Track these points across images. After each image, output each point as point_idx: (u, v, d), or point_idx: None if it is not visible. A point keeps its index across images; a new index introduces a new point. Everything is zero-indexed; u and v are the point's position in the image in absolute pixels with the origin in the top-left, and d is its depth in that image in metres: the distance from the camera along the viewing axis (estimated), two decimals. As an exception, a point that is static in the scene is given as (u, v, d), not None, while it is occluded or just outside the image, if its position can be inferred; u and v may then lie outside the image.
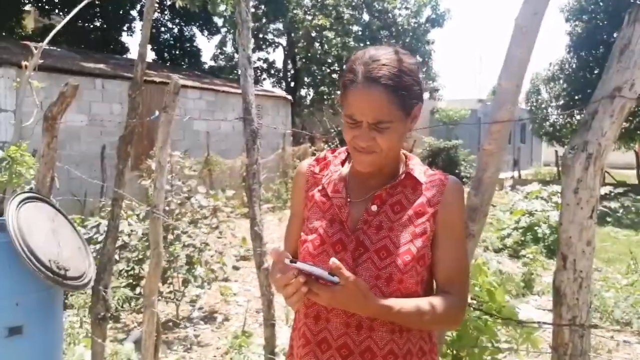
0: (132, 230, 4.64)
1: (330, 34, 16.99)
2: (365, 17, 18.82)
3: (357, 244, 1.19)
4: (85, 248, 2.94)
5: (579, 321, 1.27)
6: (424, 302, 1.14)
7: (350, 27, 18.05)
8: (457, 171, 16.98)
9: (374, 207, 1.21)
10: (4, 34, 14.09)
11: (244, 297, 5.40)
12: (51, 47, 12.41)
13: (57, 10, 15.48)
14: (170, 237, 4.25)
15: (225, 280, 5.73)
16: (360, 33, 18.20)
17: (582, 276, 1.28)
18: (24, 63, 3.59)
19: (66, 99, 2.98)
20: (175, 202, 4.44)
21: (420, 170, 1.25)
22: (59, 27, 4.01)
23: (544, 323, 1.32)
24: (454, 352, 1.59)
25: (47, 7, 15.20)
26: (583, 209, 1.26)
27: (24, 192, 2.72)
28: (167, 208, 4.38)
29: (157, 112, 2.22)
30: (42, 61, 3.95)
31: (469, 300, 1.59)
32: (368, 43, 17.94)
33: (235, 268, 5.10)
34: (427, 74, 19.00)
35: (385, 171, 1.24)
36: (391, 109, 1.13)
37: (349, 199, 1.25)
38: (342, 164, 1.31)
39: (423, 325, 1.19)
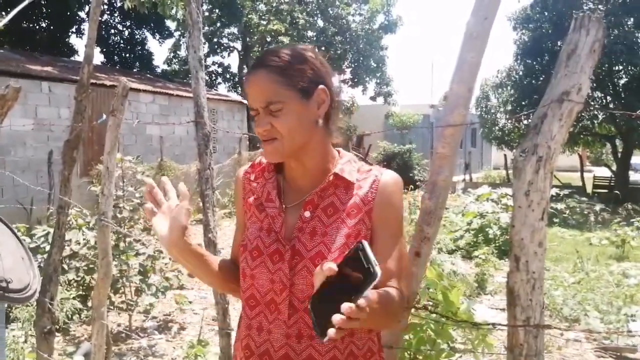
0: (84, 239, 4.47)
1: (286, 39, 16.99)
2: (320, 22, 18.94)
3: (293, 253, 1.16)
4: (29, 258, 2.80)
5: (533, 322, 1.29)
6: (389, 291, 1.10)
7: (305, 32, 18.11)
8: (410, 175, 17.28)
9: (307, 214, 1.18)
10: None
11: (200, 305, 5.29)
12: (-7, 49, 11.86)
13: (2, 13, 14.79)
14: (122, 245, 4.11)
15: (181, 288, 5.60)
16: (315, 38, 18.29)
17: (535, 277, 1.30)
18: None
19: (7, 102, 2.82)
20: (127, 209, 4.30)
21: (351, 168, 1.21)
22: (2, 22, 3.81)
23: (499, 325, 1.34)
24: (411, 355, 1.59)
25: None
26: (534, 211, 1.29)
27: (-39, 201, 2.57)
28: (118, 215, 4.24)
29: (104, 116, 2.14)
30: (32, 68, 3.74)
31: (425, 303, 1.60)
32: (323, 48, 18.04)
33: (191, 275, 4.98)
34: (381, 79, 19.27)
35: (314, 172, 1.20)
36: (278, 88, 1.12)
37: (283, 206, 1.21)
38: (277, 169, 1.27)
39: (387, 318, 1.10)
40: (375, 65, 18.87)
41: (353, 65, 18.89)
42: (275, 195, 1.22)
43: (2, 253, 2.56)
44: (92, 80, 9.26)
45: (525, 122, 15.35)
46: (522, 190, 1.29)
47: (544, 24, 14.68)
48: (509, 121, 16.22)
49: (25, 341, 3.53)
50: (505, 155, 19.43)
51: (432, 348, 1.44)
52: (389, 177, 1.20)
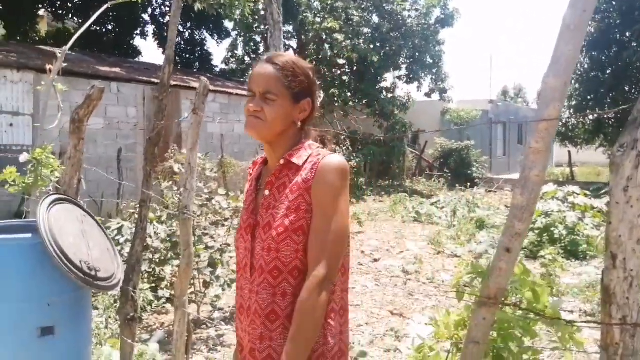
0: (155, 232, 4.67)
1: (340, 37, 16.99)
2: (375, 19, 18.80)
3: (254, 224, 1.45)
4: (113, 249, 2.96)
5: (629, 320, 1.26)
6: (294, 326, 1.32)
7: (360, 29, 18.04)
8: (468, 172, 16.90)
9: (267, 192, 1.44)
10: (19, 38, 14.24)
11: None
12: (57, 51, 12.54)
13: (70, 15, 15.62)
14: (193, 238, 4.26)
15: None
16: (369, 35, 18.19)
17: (633, 275, 1.27)
18: (48, 67, 3.62)
19: (92, 101, 3.01)
20: (196, 204, 4.46)
21: (302, 154, 1.42)
22: (81, 31, 4.04)
23: (595, 322, 1.31)
24: (495, 351, 1.58)
25: (60, 11, 15.34)
26: (633, 207, 1.26)
27: (54, 194, 2.74)
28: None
29: (186, 114, 2.23)
30: (65, 64, 3.98)
31: (514, 299, 1.59)
32: (378, 45, 17.94)
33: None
34: (437, 75, 18.92)
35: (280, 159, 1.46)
36: (278, 85, 1.41)
37: (257, 189, 1.51)
38: (264, 162, 1.55)
39: (316, 330, 1.33)
40: (431, 61, 18.55)
41: (408, 62, 18.65)
42: (254, 180, 1.53)
43: (91, 244, 2.72)
44: (156, 80, 9.55)
45: (590, 117, 14.68)
46: (621, 186, 1.26)
47: (611, 15, 13.99)
48: (574, 117, 15.56)
49: (106, 327, 3.74)
50: (569, 151, 18.64)
51: (519, 345, 1.43)
52: (328, 160, 1.38)
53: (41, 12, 15.83)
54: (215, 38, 17.74)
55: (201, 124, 2.27)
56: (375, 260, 7.03)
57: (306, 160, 1.40)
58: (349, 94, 18.55)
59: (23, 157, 3.33)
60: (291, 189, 1.38)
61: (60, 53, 3.52)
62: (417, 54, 18.17)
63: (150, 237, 4.79)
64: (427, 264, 6.78)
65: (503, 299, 1.43)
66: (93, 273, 2.58)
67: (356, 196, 13.26)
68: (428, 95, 19.01)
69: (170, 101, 10.81)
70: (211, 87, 9.98)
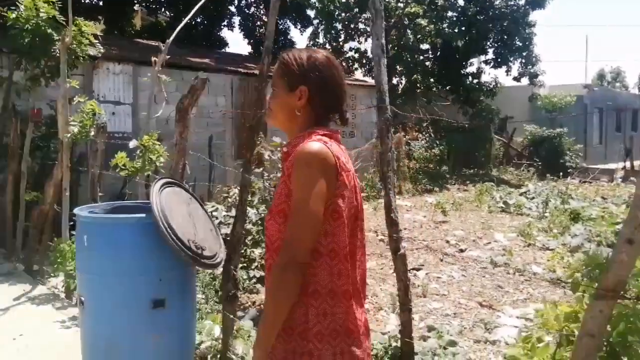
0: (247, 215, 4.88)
1: (424, 21, 16.59)
2: (461, 2, 18.16)
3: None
4: (216, 230, 3.14)
5: None
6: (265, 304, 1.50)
7: (444, 13, 17.50)
8: (561, 161, 16.00)
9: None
10: (116, 32, 15.22)
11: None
12: (160, 44, 13.27)
13: (162, 9, 16.46)
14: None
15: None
16: (454, 19, 17.61)
17: None
18: (153, 59, 3.86)
19: (197, 91, 3.18)
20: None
21: (296, 142, 1.52)
22: (181, 24, 4.28)
23: None
24: (608, 345, 1.52)
25: (154, 6, 16.20)
26: None
27: (164, 178, 2.95)
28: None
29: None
30: (168, 57, 4.22)
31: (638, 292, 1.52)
32: (463, 29, 17.33)
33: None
34: (526, 58, 17.97)
35: None
36: (277, 78, 1.60)
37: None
38: None
39: (278, 308, 1.43)
40: (520, 44, 17.66)
41: (496, 45, 17.87)
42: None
43: (197, 225, 2.90)
44: (243, 70, 9.89)
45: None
46: None
47: None
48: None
49: (206, 303, 3.97)
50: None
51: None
52: (301, 148, 1.46)
53: (136, 7, 16.78)
54: (298, 27, 17.95)
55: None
56: (461, 251, 6.89)
57: (295, 149, 1.49)
58: (432, 80, 18.11)
59: (132, 144, 3.61)
60: (282, 177, 1.54)
61: (163, 46, 3.73)
62: (505, 37, 17.36)
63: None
64: (517, 255, 6.54)
65: (622, 292, 1.37)
66: (199, 251, 2.76)
67: (439, 185, 13.01)
68: (517, 79, 18.13)
69: (256, 89, 11.14)
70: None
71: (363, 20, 19.89)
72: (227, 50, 17.66)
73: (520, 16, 17.20)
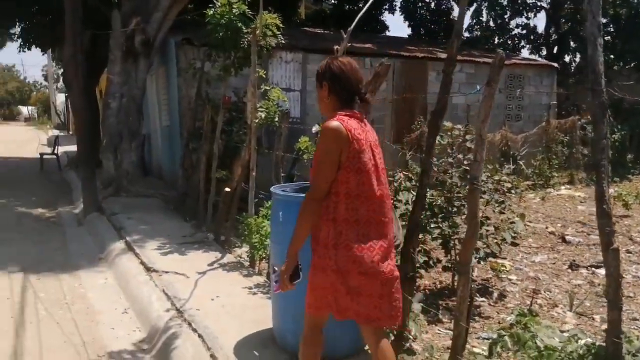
0: (407, 200, 4.91)
1: (606, -11, 14.82)
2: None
3: None
4: (393, 213, 3.24)
5: None
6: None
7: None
8: None
9: None
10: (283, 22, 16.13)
11: (516, 276, 5.27)
12: (325, 31, 13.77)
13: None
14: (453, 208, 4.38)
15: (494, 256, 5.66)
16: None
17: None
18: (335, 47, 4.05)
19: (379, 77, 3.29)
20: (456, 175, 4.53)
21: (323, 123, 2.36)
22: (361, 13, 4.41)
23: None
24: None
25: (320, -6, 16.86)
26: None
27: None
28: (449, 180, 4.51)
29: (478, 87, 2.28)
30: (341, 45, 4.38)
31: None
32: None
33: (514, 244, 4.98)
34: None
35: None
36: (315, 80, 2.41)
37: None
38: None
39: (301, 225, 2.29)
40: None
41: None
42: None
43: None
44: (405, 54, 9.83)
45: None
46: None
47: None
48: None
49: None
50: None
51: None
52: (324, 125, 2.26)
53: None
54: (462, 5, 17.25)
55: (494, 97, 2.29)
56: (649, 249, 6.16)
57: None
58: (612, 56, 16.17)
59: (315, 128, 3.86)
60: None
61: (345, 34, 3.89)
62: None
63: (408, 203, 5.05)
64: None
65: None
66: (381, 233, 2.87)
67: (619, 174, 11.66)
68: None
69: (417, 73, 11.03)
70: (458, 57, 9.77)
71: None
72: (387, 34, 17.71)
73: None
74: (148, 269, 5.01)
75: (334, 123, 2.18)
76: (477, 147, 2.33)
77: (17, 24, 13.50)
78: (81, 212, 8.06)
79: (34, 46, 14.66)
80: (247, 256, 5.25)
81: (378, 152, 2.30)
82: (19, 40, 14.38)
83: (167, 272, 4.87)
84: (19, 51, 24.38)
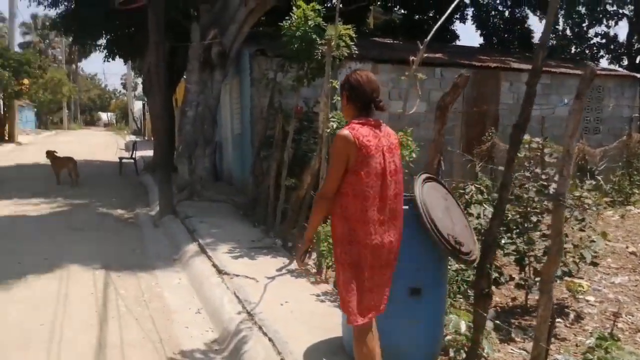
0: (484, 214, 4.79)
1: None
2: None
3: None
4: (469, 227, 3.18)
5: None
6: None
7: None
8: None
9: None
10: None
11: (593, 297, 5.00)
12: (394, 41, 13.74)
13: (397, 7, 16.99)
14: (529, 224, 4.23)
15: (571, 275, 5.40)
16: None
17: None
18: (411, 58, 4.05)
19: (458, 89, 3.25)
20: (533, 190, 4.38)
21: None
22: (439, 23, 4.37)
23: None
24: None
25: (389, 4, 16.83)
26: None
27: (424, 173, 3.10)
28: (525, 195, 4.37)
29: (565, 100, 2.20)
30: (418, 56, 4.38)
31: None
32: None
33: (594, 264, 4.72)
34: None
35: None
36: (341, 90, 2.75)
37: None
38: None
39: (314, 218, 2.66)
40: None
41: None
42: None
43: (454, 220, 2.99)
44: (477, 63, 9.61)
45: None
46: None
47: None
48: None
49: (452, 297, 4.05)
50: None
51: None
52: (336, 134, 2.58)
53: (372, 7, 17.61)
54: (538, 14, 16.66)
55: (582, 111, 2.21)
56: None
57: None
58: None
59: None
60: None
61: (421, 45, 3.88)
62: None
63: (479, 217, 4.93)
64: None
65: None
66: (458, 246, 2.84)
67: None
68: None
69: (489, 83, 10.75)
70: (531, 67, 9.33)
71: (611, 2, 17.49)
72: (458, 43, 17.41)
73: None
74: (220, 272, 5.18)
75: (344, 132, 2.49)
76: (564, 163, 2.26)
77: (104, 35, 14.40)
78: (157, 214, 8.45)
79: (117, 56, 15.61)
80: (314, 263, 5.31)
81: (391, 156, 2.55)
82: (105, 51, 15.35)
83: (237, 275, 5.01)
84: (104, 61, 26.00)
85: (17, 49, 26.84)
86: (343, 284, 2.51)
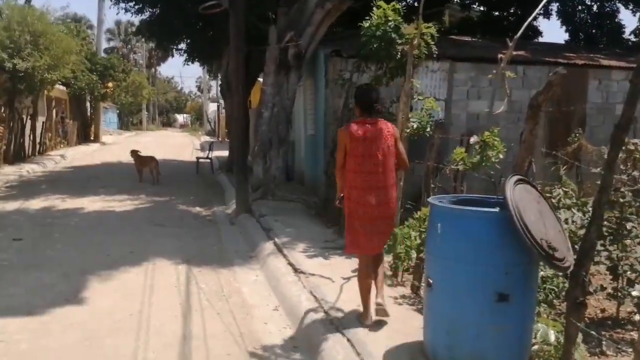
0: (572, 220, 4.52)
1: None
2: None
3: None
4: (563, 232, 3.02)
5: None
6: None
7: None
8: None
9: None
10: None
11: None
12: (472, 39, 13.32)
13: (476, 4, 16.50)
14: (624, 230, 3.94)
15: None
16: None
17: None
18: (499, 56, 3.88)
19: (552, 87, 3.08)
20: (629, 194, 4.08)
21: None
22: (528, 21, 4.18)
23: None
24: None
25: (467, 1, 16.38)
26: None
27: (515, 175, 2.96)
28: (621, 200, 4.08)
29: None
30: (506, 54, 4.19)
31: None
32: None
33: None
34: None
35: None
36: None
37: None
38: None
39: (338, 183, 4.00)
40: None
41: None
42: None
43: (546, 224, 2.83)
44: (562, 61, 9.07)
45: None
46: None
47: None
48: None
49: (539, 305, 3.85)
50: None
51: None
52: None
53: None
54: (631, 7, 15.53)
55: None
56: None
57: None
58: None
59: (473, 139, 3.74)
60: None
61: (510, 43, 3.72)
62: None
63: (567, 222, 4.66)
64: None
65: None
66: (551, 252, 2.69)
67: None
68: None
69: (576, 82, 10.16)
70: (623, 64, 8.81)
71: None
72: (541, 39, 16.64)
73: None
74: (296, 270, 5.24)
75: (342, 128, 3.90)
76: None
77: (185, 40, 15.04)
78: (233, 212, 8.70)
79: (195, 60, 16.25)
80: (390, 266, 5.23)
81: (375, 143, 3.67)
82: (185, 55, 16.03)
83: (313, 274, 5.05)
84: (184, 64, 27.18)
85: (102, 54, 28.64)
86: (345, 226, 3.92)
